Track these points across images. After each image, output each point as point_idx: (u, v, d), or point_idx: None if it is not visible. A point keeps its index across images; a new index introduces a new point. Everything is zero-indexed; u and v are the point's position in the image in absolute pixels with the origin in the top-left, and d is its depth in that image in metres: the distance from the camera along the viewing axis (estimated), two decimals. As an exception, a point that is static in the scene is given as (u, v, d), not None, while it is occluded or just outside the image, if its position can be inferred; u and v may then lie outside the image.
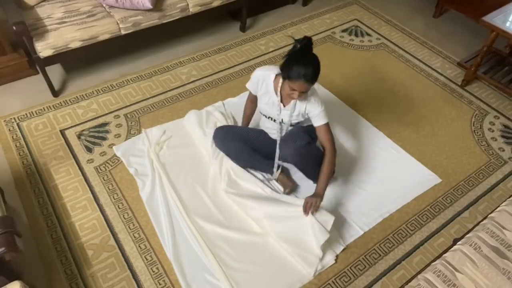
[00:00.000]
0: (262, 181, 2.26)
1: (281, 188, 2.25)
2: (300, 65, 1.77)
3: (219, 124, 2.53)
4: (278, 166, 2.23)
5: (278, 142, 2.12)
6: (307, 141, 2.02)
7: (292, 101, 1.96)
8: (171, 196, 2.19)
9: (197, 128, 2.48)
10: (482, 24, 2.71)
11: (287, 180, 2.26)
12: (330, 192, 2.25)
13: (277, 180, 2.27)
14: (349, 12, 3.75)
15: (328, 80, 2.96)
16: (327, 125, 1.98)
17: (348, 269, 1.99)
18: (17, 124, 2.57)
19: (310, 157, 2.07)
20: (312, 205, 1.91)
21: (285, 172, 2.30)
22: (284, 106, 2.02)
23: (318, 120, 1.97)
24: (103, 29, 2.63)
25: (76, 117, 2.63)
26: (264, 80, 2.03)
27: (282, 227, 2.01)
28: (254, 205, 2.10)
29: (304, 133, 2.06)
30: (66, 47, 2.56)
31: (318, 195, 1.94)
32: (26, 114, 2.64)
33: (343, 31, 3.51)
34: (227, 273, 1.91)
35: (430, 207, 2.28)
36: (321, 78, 1.80)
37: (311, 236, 1.93)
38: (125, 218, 2.13)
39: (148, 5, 2.66)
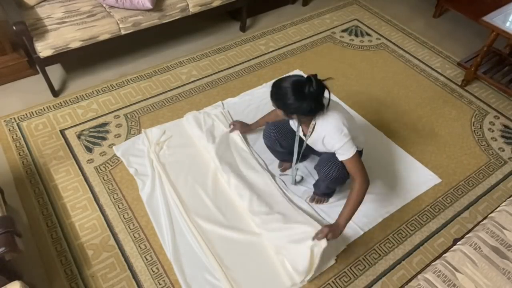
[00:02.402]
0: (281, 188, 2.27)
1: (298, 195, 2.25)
2: (284, 78, 1.79)
3: (216, 123, 2.54)
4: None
5: (295, 153, 2.08)
6: (343, 174, 1.93)
7: (310, 128, 1.88)
8: (171, 196, 2.19)
9: (196, 129, 2.49)
10: (482, 24, 2.71)
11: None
12: (330, 192, 2.25)
13: (295, 184, 2.29)
14: (349, 12, 3.75)
15: (328, 80, 2.95)
16: (352, 158, 1.81)
17: (348, 269, 2.00)
18: (17, 124, 2.57)
19: (338, 183, 2.05)
20: (329, 236, 1.77)
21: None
22: (305, 134, 1.96)
23: (340, 155, 1.83)
24: (103, 29, 2.63)
25: (76, 117, 2.63)
26: None
27: (280, 238, 1.99)
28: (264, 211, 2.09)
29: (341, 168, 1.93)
30: (66, 47, 2.56)
31: (338, 227, 1.80)
32: (26, 114, 2.64)
33: (343, 31, 3.51)
34: (227, 273, 1.91)
35: (430, 207, 2.28)
36: (321, 78, 1.78)
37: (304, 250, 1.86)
38: (125, 218, 2.13)
39: (148, 5, 2.66)
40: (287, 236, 1.95)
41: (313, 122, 1.86)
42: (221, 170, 2.26)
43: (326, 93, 1.79)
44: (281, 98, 1.77)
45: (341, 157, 1.83)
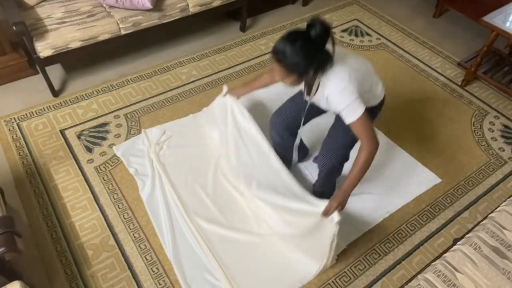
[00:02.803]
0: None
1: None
2: (282, 38, 1.55)
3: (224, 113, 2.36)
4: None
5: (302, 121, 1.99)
6: (340, 161, 1.94)
7: (314, 88, 1.72)
8: (171, 196, 2.19)
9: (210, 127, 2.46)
10: (482, 24, 2.71)
11: None
12: (330, 192, 2.25)
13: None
14: (349, 12, 3.75)
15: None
16: (358, 120, 1.62)
17: (348, 269, 2.00)
18: (17, 124, 2.57)
19: (333, 173, 2.07)
20: (339, 208, 1.67)
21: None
22: (308, 94, 1.81)
23: (345, 117, 1.66)
24: (103, 29, 2.63)
25: (76, 117, 2.63)
26: None
27: (290, 226, 1.95)
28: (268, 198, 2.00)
29: (345, 145, 1.87)
30: (66, 47, 2.56)
31: (344, 194, 1.69)
32: (26, 114, 2.64)
33: (343, 31, 3.51)
34: (227, 273, 1.91)
35: (430, 207, 2.28)
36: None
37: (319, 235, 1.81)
38: (125, 218, 2.13)
39: (148, 5, 2.66)
40: (298, 229, 1.91)
41: (317, 81, 1.69)
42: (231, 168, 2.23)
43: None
44: (293, 56, 1.53)
45: (347, 119, 1.65)
